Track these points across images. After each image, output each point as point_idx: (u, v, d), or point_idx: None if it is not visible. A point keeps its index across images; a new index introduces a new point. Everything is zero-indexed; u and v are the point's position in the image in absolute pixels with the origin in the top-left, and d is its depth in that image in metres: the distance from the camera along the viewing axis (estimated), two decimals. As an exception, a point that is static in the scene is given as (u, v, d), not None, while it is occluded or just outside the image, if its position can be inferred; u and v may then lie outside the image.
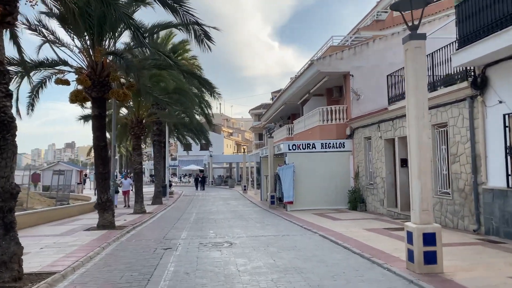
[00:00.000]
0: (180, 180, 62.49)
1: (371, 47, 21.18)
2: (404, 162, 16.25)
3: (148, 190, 35.25)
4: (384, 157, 17.46)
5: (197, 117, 35.79)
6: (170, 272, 8.18)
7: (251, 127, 61.31)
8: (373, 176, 18.58)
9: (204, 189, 44.64)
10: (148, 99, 19.54)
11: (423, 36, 7.60)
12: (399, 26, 25.05)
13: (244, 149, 45.24)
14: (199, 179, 45.77)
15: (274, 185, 23.04)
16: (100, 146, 14.56)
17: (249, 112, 62.63)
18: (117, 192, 17.59)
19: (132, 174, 34.38)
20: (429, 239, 7.35)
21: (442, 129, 13.52)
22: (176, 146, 63.36)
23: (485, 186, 11.36)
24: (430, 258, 7.32)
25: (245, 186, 37.56)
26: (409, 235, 7.61)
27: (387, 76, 16.93)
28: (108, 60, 14.70)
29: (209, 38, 12.03)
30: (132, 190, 23.36)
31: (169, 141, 38.35)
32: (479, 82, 11.48)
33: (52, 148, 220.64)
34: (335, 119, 21.61)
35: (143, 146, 58.73)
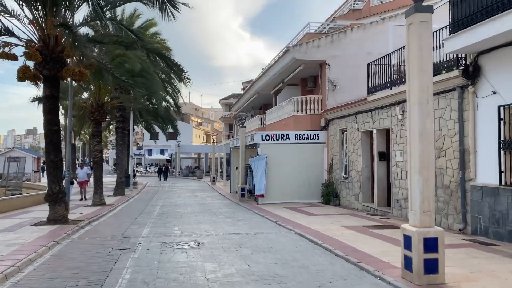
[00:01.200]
0: (146, 170, 60.22)
1: (349, 35, 20.15)
2: (382, 156, 15.35)
3: (111, 180, 33.25)
4: (360, 150, 16.50)
5: (165, 104, 34.07)
6: (125, 281, 6.76)
7: (221, 117, 59.70)
8: (348, 169, 17.63)
9: (167, 180, 43.07)
10: (109, 81, 17.75)
11: (430, 9, 6.45)
12: (376, 16, 24.19)
13: (213, 139, 43.71)
14: (162, 169, 44.32)
15: (245, 177, 21.76)
16: (52, 130, 12.79)
17: (219, 102, 60.93)
18: (72, 183, 15.65)
19: (89, 163, 32.30)
20: (431, 245, 6.28)
21: (427, 121, 12.60)
22: (143, 135, 60.93)
23: (473, 183, 10.50)
24: (431, 267, 6.26)
25: (213, 178, 36.12)
26: (407, 240, 6.52)
27: (368, 64, 15.91)
28: (62, 34, 12.88)
29: (173, 5, 10.48)
30: (88, 180, 21.26)
31: (134, 129, 36.32)
32: (471, 71, 10.55)
33: (12, 134, 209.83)
34: (310, 110, 20.51)
35: (107, 134, 56.22)
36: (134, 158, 59.23)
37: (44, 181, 36.88)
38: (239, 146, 24.11)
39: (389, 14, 21.81)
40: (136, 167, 58.87)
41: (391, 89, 14.20)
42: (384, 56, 14.94)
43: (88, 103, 19.19)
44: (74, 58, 13.61)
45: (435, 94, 11.86)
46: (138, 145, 69.80)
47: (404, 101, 13.45)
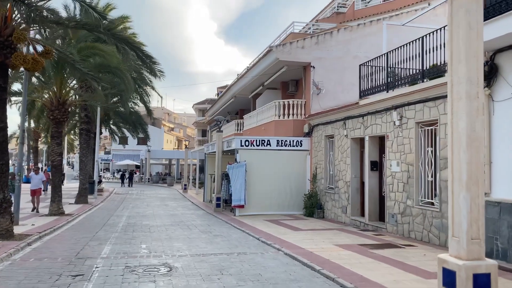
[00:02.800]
0: (114, 176, 57.20)
1: (335, 37, 18.84)
2: (375, 165, 13.94)
3: (76, 186, 30.60)
4: (349, 159, 15.06)
5: (135, 106, 31.86)
6: (69, 331, 4.88)
7: (195, 122, 57.52)
8: (334, 179, 16.15)
9: (131, 186, 41.23)
10: (72, 74, 15.65)
11: (481, -23, 4.96)
12: (360, 19, 23.06)
13: (186, 145, 41.58)
14: (126, 175, 42.79)
15: (220, 185, 19.95)
16: (-3, 128, 10.67)
17: (193, 107, 58.73)
18: (12, 191, 13.03)
19: (44, 167, 29.55)
20: (483, 283, 4.73)
21: (429, 128, 11.27)
22: (111, 139, 58.01)
23: (488, 198, 9.13)
24: (483, 313, 4.71)
25: (185, 185, 34.03)
26: (449, 276, 4.94)
27: (360, 65, 14.53)
28: (14, 15, 10.83)
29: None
30: (44, 189, 18.43)
31: (101, 131, 33.85)
32: (487, 71, 9.26)
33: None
34: (293, 115, 19.00)
35: (74, 137, 52.95)
36: (101, 163, 56.34)
37: None
38: (214, 152, 22.30)
39: (375, 18, 20.68)
40: (103, 172, 55.88)
41: (387, 92, 12.83)
42: (379, 57, 13.60)
43: (47, 100, 16.95)
44: (29, 43, 11.56)
45: (440, 97, 10.56)
46: (106, 150, 66.59)
47: (402, 105, 12.14)
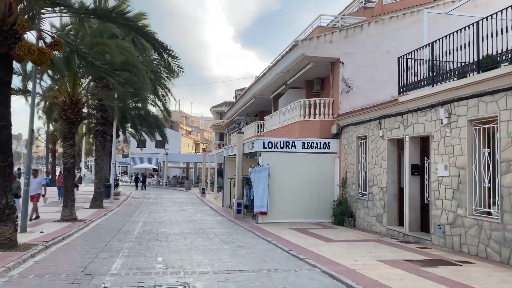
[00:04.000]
0: (131, 179, 56.53)
1: (366, 30, 17.37)
2: (416, 169, 12.42)
3: (93, 189, 29.70)
4: (385, 162, 13.57)
5: (153, 108, 30.89)
6: None
7: (212, 125, 56.49)
8: (368, 184, 14.67)
9: (145, 189, 41.05)
10: (87, 71, 14.62)
11: None
12: (390, 14, 21.53)
13: (204, 148, 40.43)
14: (140, 178, 42.98)
15: (241, 190, 18.66)
16: (0, 126, 9.60)
17: (210, 110, 57.79)
18: (17, 196, 11.77)
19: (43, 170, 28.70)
20: None
21: (485, 126, 9.75)
22: (130, 142, 57.43)
23: None
24: None
25: (203, 189, 32.84)
26: None
27: (399, 58, 13.05)
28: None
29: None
30: (43, 194, 15.73)
31: (118, 134, 33.01)
32: None
33: None
34: (319, 114, 17.58)
35: (92, 139, 52.54)
36: (119, 166, 55.76)
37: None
38: (234, 155, 21.05)
39: (408, 11, 19.14)
40: (121, 175, 55.30)
41: (433, 86, 11.34)
42: (420, 48, 12.11)
43: (60, 99, 15.95)
44: (39, 36, 10.50)
45: (499, 91, 9.05)
46: (124, 153, 66.18)
47: (451, 101, 10.62)
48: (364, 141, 15.16)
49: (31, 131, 12.46)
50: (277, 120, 21.42)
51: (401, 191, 13.40)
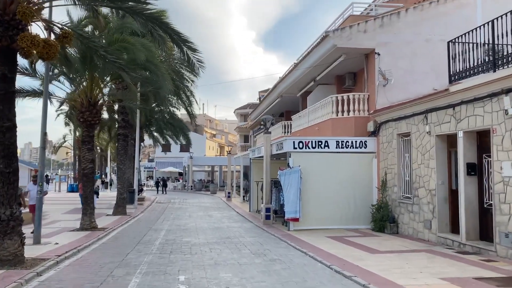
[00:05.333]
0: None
1: (403, 18, 15.68)
2: (473, 168, 10.67)
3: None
4: (433, 161, 11.87)
5: (176, 111, 29.94)
6: None
7: (237, 127, 55.30)
8: (412, 187, 12.97)
9: (166, 193, 40.53)
10: (105, 70, 13.55)
11: None
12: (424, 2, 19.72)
13: (229, 150, 39.27)
14: (161, 182, 42.50)
15: (270, 194, 17.22)
16: (3, 127, 8.51)
17: (234, 112, 56.60)
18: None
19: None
20: None
21: None
22: (155, 147, 56.92)
23: None
24: None
25: (229, 193, 31.56)
26: None
27: (449, 43, 11.34)
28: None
29: None
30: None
31: (143, 138, 32.17)
32: None
33: (28, 146, 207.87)
34: (353, 111, 15.98)
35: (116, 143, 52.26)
36: (144, 171, 55.25)
37: (43, 195, 32.80)
38: (261, 156, 19.65)
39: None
40: (147, 180, 54.76)
41: (494, 71, 9.62)
42: (477, 28, 10.38)
43: (77, 101, 14.94)
44: (46, 26, 9.40)
45: None
46: (150, 158, 65.85)
47: (519, 87, 8.93)
48: (406, 138, 13.48)
49: (44, 134, 11.40)
50: (306, 119, 19.90)
51: (452, 193, 11.68)
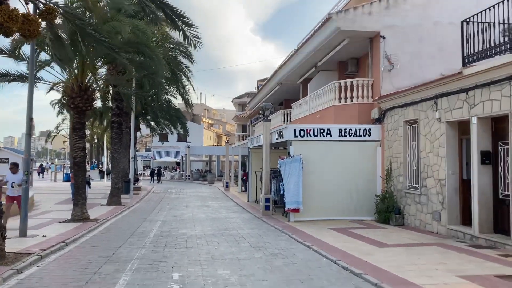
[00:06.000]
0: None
1: None
2: (487, 157, 9.94)
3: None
4: (443, 149, 11.14)
5: (174, 101, 29.10)
6: None
7: (235, 116, 54.45)
8: (420, 176, 12.26)
9: (161, 182, 40.39)
10: (97, 53, 12.71)
11: None
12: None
13: (227, 140, 38.47)
14: (155, 172, 42.65)
15: (269, 184, 16.51)
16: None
17: (232, 102, 55.70)
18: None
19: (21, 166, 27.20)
20: None
21: None
22: (151, 135, 56.05)
23: None
24: None
25: (227, 183, 30.84)
26: None
27: (462, 22, 10.52)
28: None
29: None
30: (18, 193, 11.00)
31: (139, 128, 31.34)
32: None
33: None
34: (357, 97, 15.22)
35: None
36: (141, 160, 54.46)
37: (37, 184, 32.06)
38: (260, 145, 18.91)
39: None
40: (144, 170, 53.98)
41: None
42: (494, 6, 9.57)
43: (67, 86, 14.10)
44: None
45: None
46: (147, 147, 65.04)
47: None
48: (414, 125, 12.73)
49: (29, 120, 10.58)
50: (306, 106, 19.11)
51: (464, 183, 10.98)
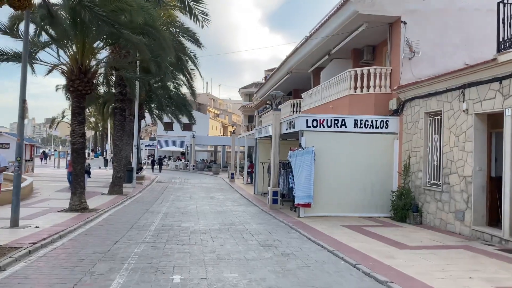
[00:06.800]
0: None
1: (434, -18, 13.81)
2: (522, 153, 9.00)
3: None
4: (470, 143, 10.22)
5: (179, 87, 28.24)
6: None
7: (241, 106, 53.42)
8: (441, 172, 11.35)
9: (161, 171, 39.96)
10: (99, 33, 11.85)
11: None
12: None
13: (233, 130, 37.52)
14: (156, 161, 42.61)
15: (278, 176, 15.67)
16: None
17: (239, 91, 54.67)
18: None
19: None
20: None
21: None
22: (156, 125, 55.31)
23: None
24: None
25: (232, 174, 30.04)
26: None
27: (498, 3, 9.52)
28: None
29: None
30: None
31: (143, 115, 30.55)
32: None
33: (31, 123, 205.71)
34: (374, 87, 14.27)
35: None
36: (146, 149, 53.78)
37: (39, 171, 31.48)
38: (268, 136, 18.13)
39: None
40: (148, 159, 53.34)
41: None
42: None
43: (68, 68, 13.27)
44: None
45: None
46: (152, 136, 64.38)
47: None
48: (436, 117, 11.80)
49: (22, 102, 9.77)
50: (318, 96, 18.18)
51: (492, 181, 10.10)
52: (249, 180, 27.12)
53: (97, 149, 64.88)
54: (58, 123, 52.88)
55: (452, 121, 10.90)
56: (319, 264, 7.27)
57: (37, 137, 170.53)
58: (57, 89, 42.47)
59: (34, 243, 7.94)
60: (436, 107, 11.65)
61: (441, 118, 11.48)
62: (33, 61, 13.45)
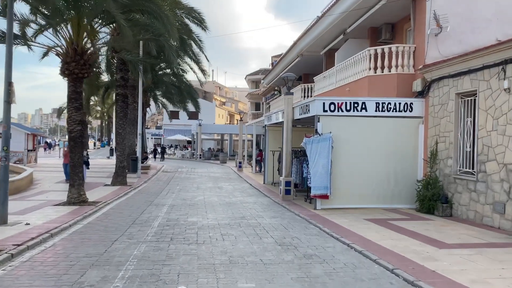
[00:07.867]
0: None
1: (463, -51, 12.36)
2: None
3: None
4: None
5: (184, 74, 27.06)
6: None
7: (248, 94, 52.08)
8: (476, 159, 10.10)
9: (163, 160, 39.37)
10: (95, 10, 10.65)
11: None
12: None
13: (241, 117, 36.25)
14: (158, 150, 41.90)
15: (290, 165, 14.52)
16: None
17: (245, 79, 53.29)
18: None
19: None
20: None
21: None
22: (162, 114, 54.22)
23: None
24: None
25: (240, 163, 28.91)
26: None
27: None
28: None
29: None
30: None
31: (148, 104, 29.46)
32: None
33: (39, 113, 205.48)
34: (396, 67, 12.97)
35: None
36: (152, 138, 52.78)
37: (42, 161, 30.60)
38: (278, 122, 16.98)
39: None
40: (155, 148, 52.41)
41: None
42: None
43: (63, 50, 12.11)
44: None
45: None
46: (158, 125, 63.41)
47: None
48: (469, 98, 10.51)
49: (8, 84, 8.64)
50: (333, 79, 16.87)
51: (538, 169, 8.84)
52: (257, 169, 26.02)
53: (104, 139, 64.13)
54: (62, 111, 51.91)
55: (490, 101, 9.62)
56: (350, 269, 6.13)
57: (44, 127, 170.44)
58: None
59: (18, 245, 6.88)
60: (469, 86, 10.35)
61: (475, 99, 10.20)
62: (29, 43, 12.34)
